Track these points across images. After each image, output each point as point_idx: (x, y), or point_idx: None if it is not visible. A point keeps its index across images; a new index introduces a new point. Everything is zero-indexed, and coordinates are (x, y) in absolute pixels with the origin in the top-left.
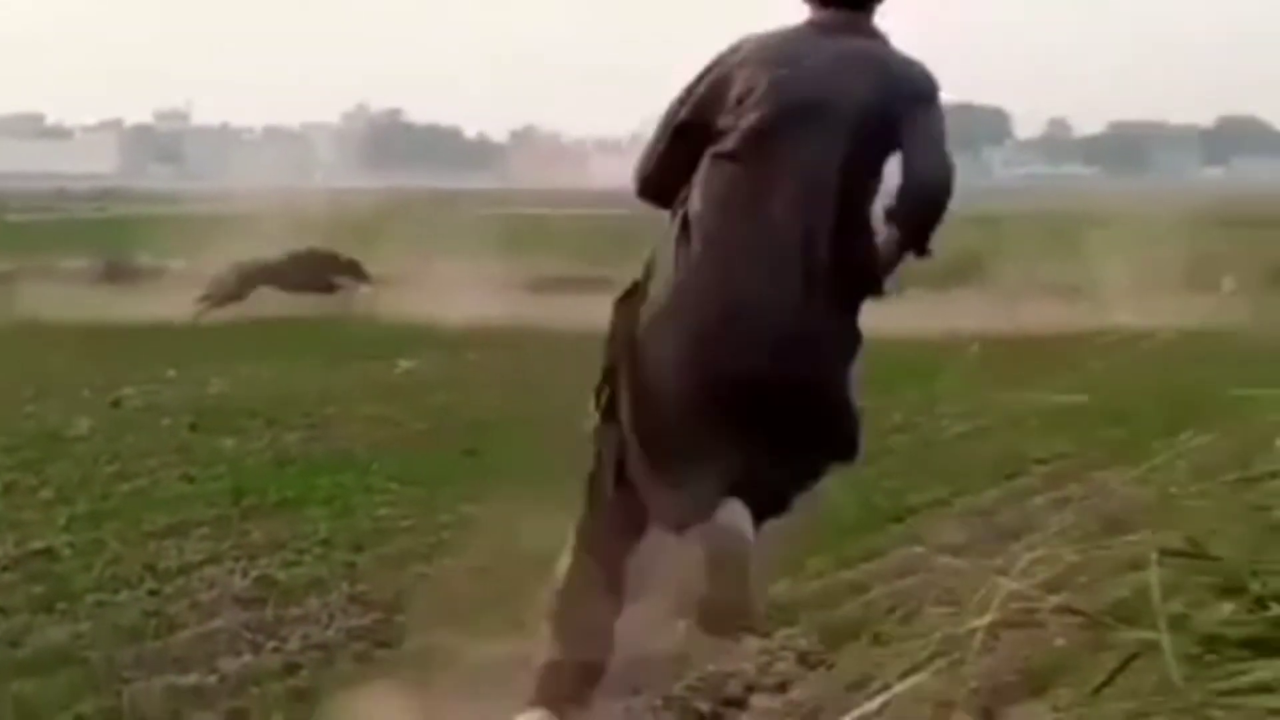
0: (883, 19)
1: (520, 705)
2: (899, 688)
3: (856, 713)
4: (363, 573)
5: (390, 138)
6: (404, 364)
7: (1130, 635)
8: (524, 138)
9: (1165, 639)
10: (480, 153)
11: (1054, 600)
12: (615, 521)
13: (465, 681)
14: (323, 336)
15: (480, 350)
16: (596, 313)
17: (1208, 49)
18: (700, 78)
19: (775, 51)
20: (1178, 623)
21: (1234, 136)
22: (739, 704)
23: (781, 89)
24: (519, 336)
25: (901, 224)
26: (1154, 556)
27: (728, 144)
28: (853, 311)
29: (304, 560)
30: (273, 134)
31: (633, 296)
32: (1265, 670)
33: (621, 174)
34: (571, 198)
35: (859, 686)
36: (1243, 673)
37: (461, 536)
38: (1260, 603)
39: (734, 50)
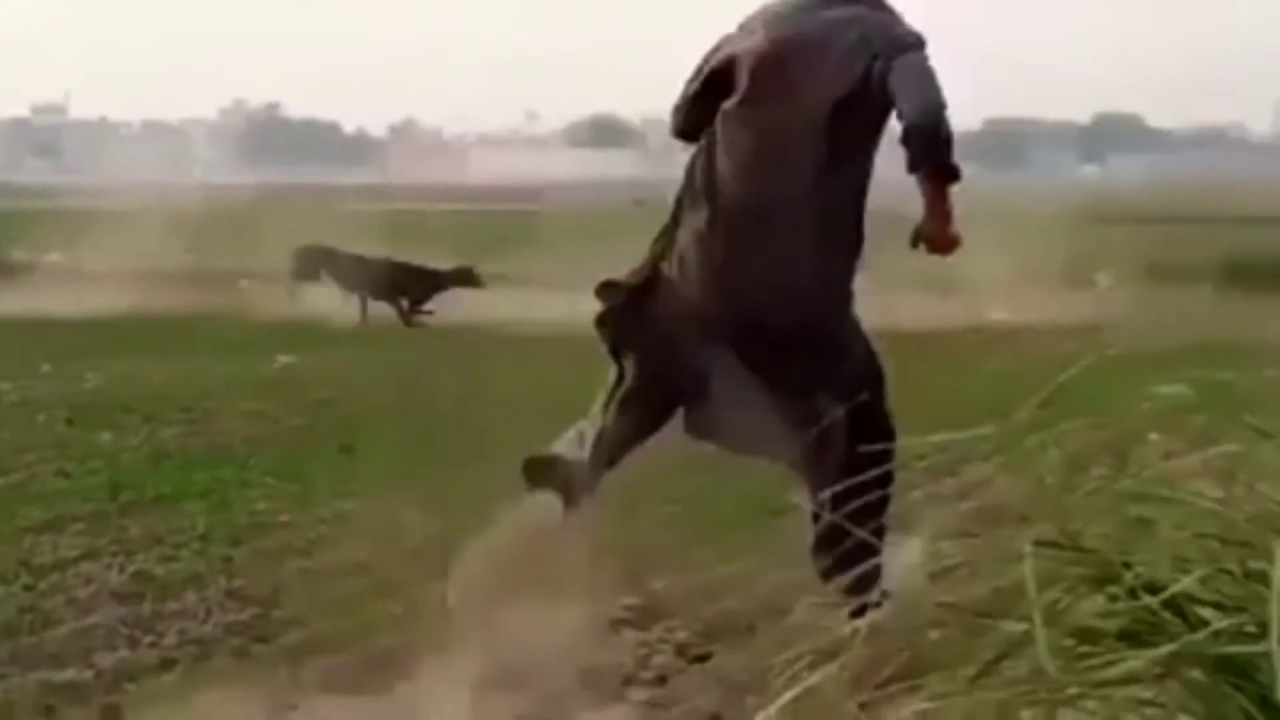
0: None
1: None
2: (778, 682)
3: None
4: (240, 568)
5: (268, 133)
6: (282, 359)
7: (1006, 627)
8: (403, 133)
9: (1039, 630)
10: (359, 148)
11: (932, 593)
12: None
13: (342, 676)
14: (200, 332)
15: (358, 346)
16: (473, 308)
17: (1085, 46)
18: (714, 50)
19: (777, 19)
20: (1052, 614)
21: (1110, 133)
22: (618, 697)
23: (781, 49)
24: (397, 332)
25: (915, 161)
26: (1028, 549)
27: (733, 102)
28: (850, 259)
29: (181, 555)
30: (151, 129)
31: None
32: (1135, 660)
33: (502, 169)
34: (451, 193)
35: (737, 679)
36: (1114, 663)
37: (338, 532)
38: (1133, 593)
39: (743, 26)
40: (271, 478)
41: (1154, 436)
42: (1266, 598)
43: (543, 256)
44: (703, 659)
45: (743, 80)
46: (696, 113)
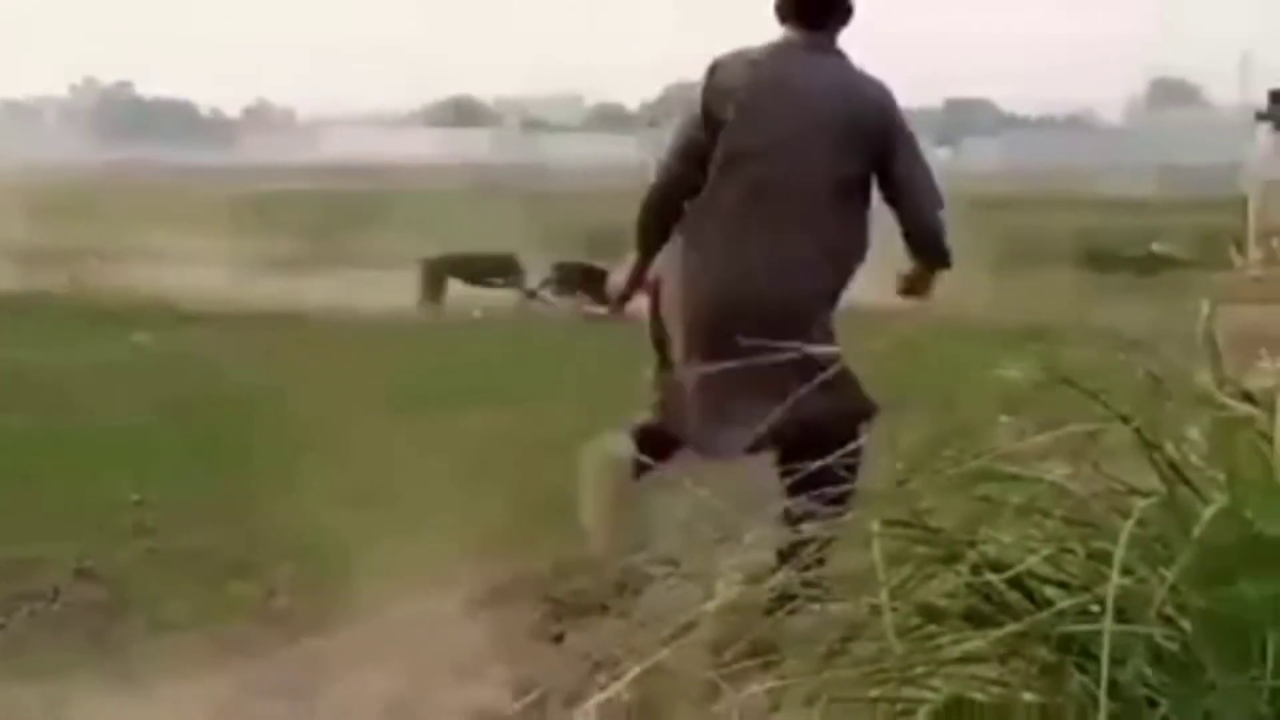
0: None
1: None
2: (630, 662)
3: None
4: (90, 549)
5: (121, 111)
6: (135, 338)
7: (855, 607)
8: (258, 113)
9: (886, 610)
10: (213, 127)
11: (782, 573)
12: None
13: (194, 658)
14: (51, 310)
15: (213, 325)
16: (327, 288)
17: (938, 31)
18: (692, 107)
19: (758, 69)
20: (900, 594)
21: (963, 118)
22: (473, 677)
23: (772, 103)
24: (252, 311)
25: (916, 254)
26: (876, 528)
27: (734, 149)
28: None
29: (32, 537)
30: (1, 107)
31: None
32: (978, 640)
33: (355, 150)
34: (306, 173)
35: (591, 661)
36: (958, 642)
37: (191, 512)
38: (978, 573)
39: (713, 73)
40: (123, 458)
41: (1004, 418)
42: (1110, 577)
43: (398, 237)
44: (559, 639)
45: (735, 138)
46: (681, 170)
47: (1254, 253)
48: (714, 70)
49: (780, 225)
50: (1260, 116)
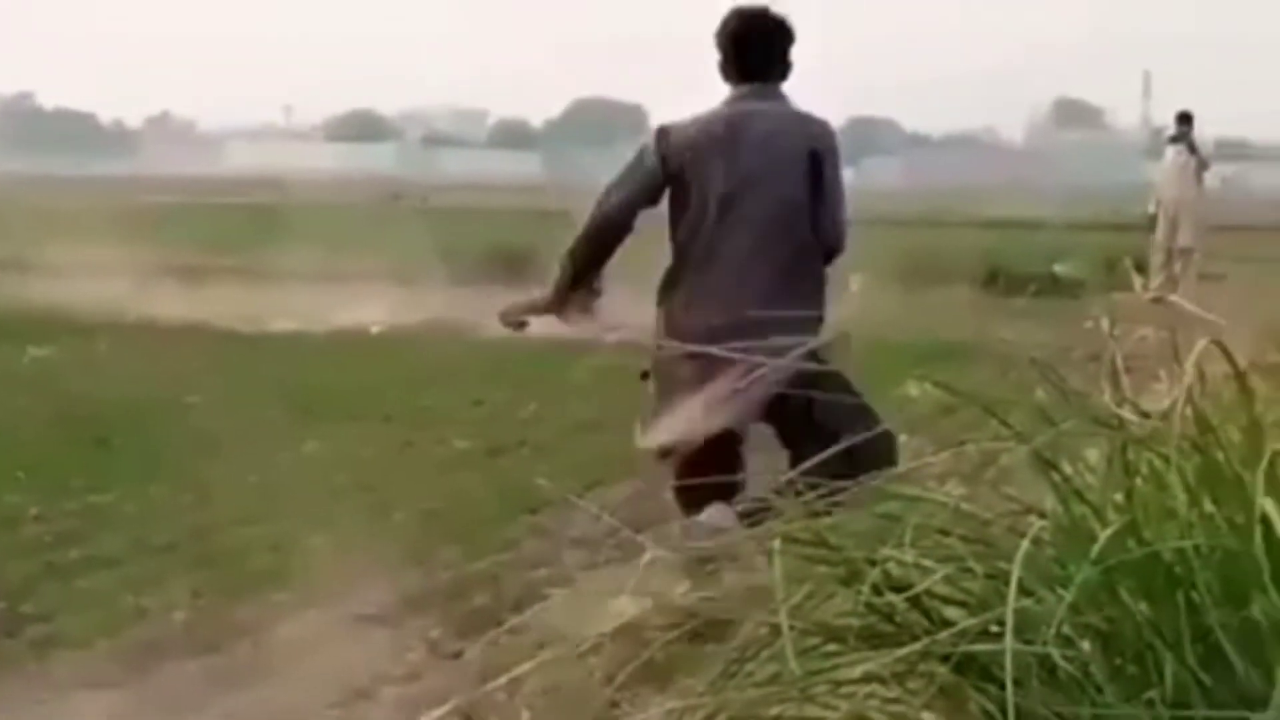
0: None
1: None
2: (527, 679)
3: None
4: None
5: (21, 122)
6: (33, 351)
7: (753, 626)
8: (160, 124)
9: (785, 629)
10: (115, 139)
11: (681, 590)
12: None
13: (92, 670)
14: None
15: (111, 339)
16: (230, 301)
17: (832, 50)
18: (654, 153)
19: (716, 115)
20: (800, 613)
21: (865, 136)
22: (368, 695)
23: (730, 138)
24: (151, 325)
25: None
26: (776, 546)
27: (700, 183)
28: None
29: None
30: None
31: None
32: (877, 660)
33: (257, 162)
34: (207, 186)
35: (490, 677)
36: (857, 662)
37: (89, 526)
38: (878, 592)
39: (665, 134)
40: (22, 471)
41: (904, 437)
42: (1008, 597)
43: (298, 250)
44: (456, 656)
45: (707, 171)
46: (621, 216)
47: (1157, 274)
48: (666, 132)
49: (765, 251)
50: (1173, 139)
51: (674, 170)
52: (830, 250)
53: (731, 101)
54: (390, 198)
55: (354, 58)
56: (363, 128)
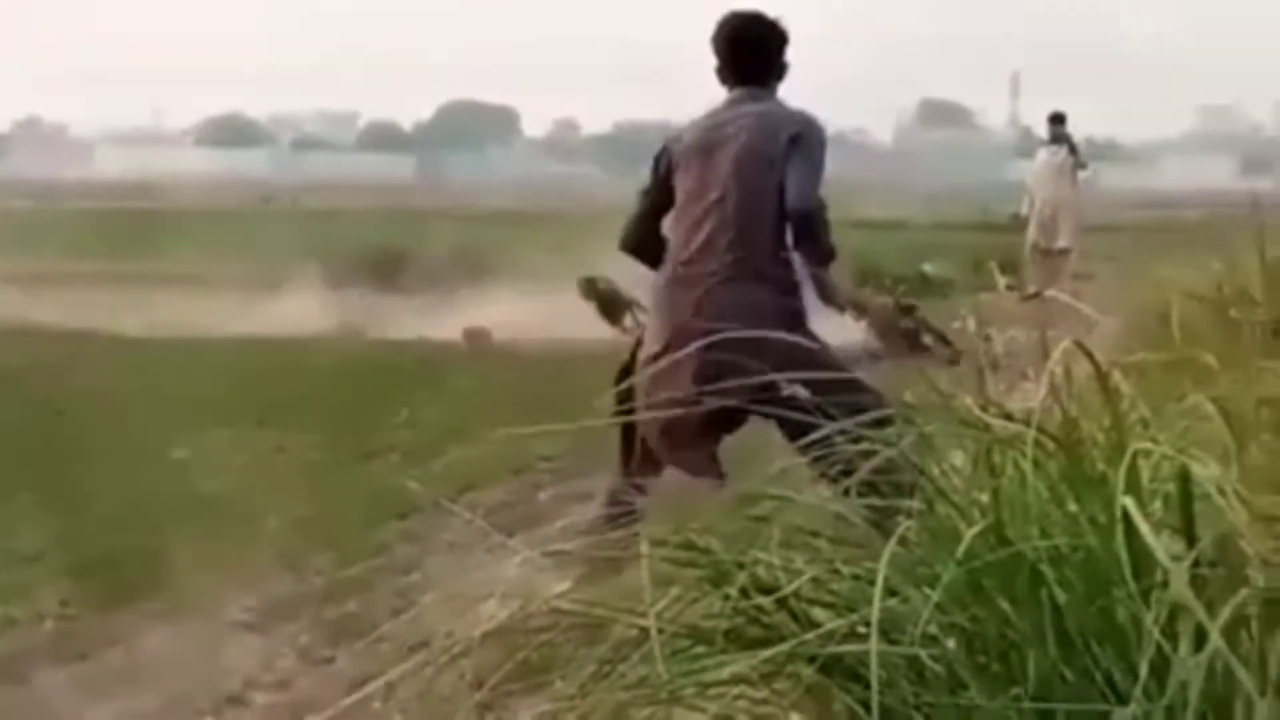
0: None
1: None
2: (400, 685)
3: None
4: None
5: None
6: None
7: (624, 628)
8: (29, 128)
9: (653, 631)
10: None
11: (554, 594)
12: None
13: None
14: None
15: None
16: (97, 307)
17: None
18: (657, 161)
19: (701, 129)
20: (669, 615)
21: None
22: (240, 701)
23: (709, 141)
24: (19, 330)
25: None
26: (645, 549)
27: (681, 193)
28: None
29: None
30: None
31: None
32: (745, 661)
33: (129, 167)
34: (78, 190)
35: (361, 684)
36: (725, 664)
37: None
38: (745, 594)
39: (676, 139)
40: None
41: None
42: (874, 597)
43: (170, 255)
44: (327, 662)
45: (685, 180)
46: (646, 226)
47: (1034, 274)
48: (675, 138)
49: (734, 251)
50: (1050, 140)
51: (664, 175)
52: (795, 229)
53: (725, 105)
54: (261, 201)
55: (225, 60)
56: (233, 131)
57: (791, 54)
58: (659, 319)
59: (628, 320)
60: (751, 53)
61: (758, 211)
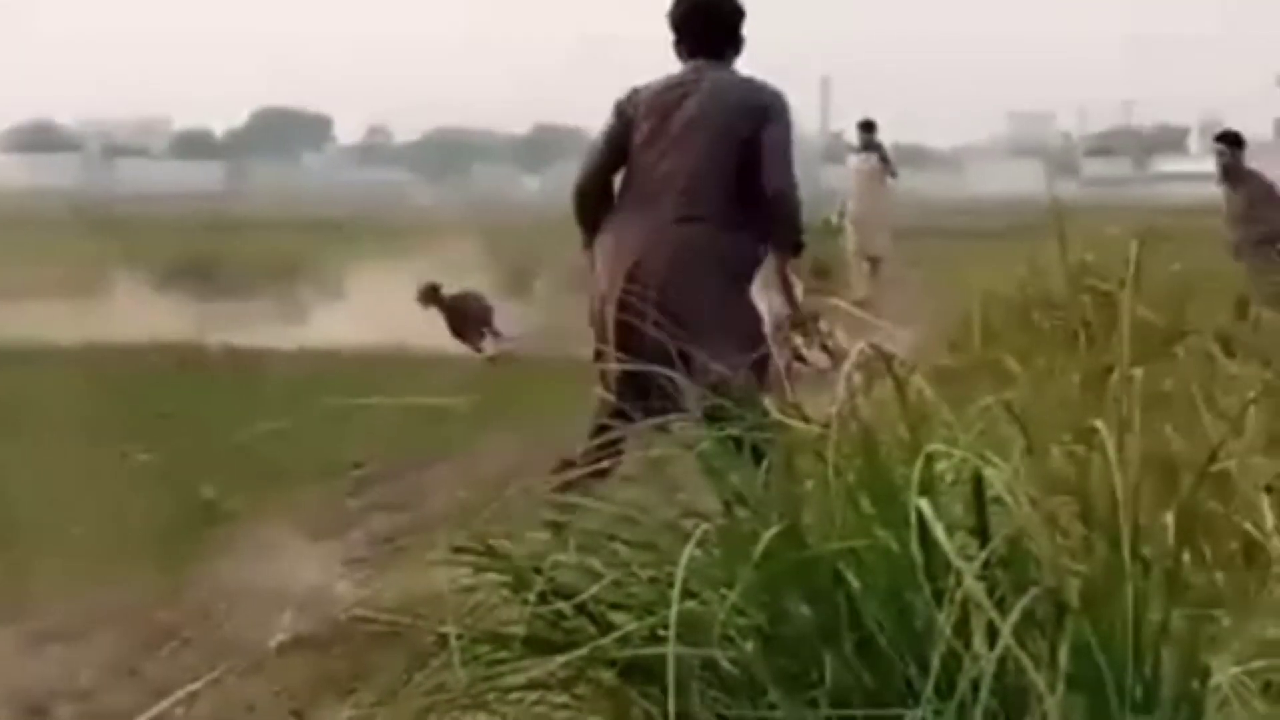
0: None
1: None
2: (205, 693)
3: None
4: None
5: None
6: None
7: (426, 634)
8: None
9: (452, 638)
10: None
11: (358, 599)
12: None
13: None
14: None
15: None
16: None
17: (530, 57)
18: (621, 111)
19: (663, 86)
20: (469, 621)
21: (550, 145)
22: (42, 712)
23: (670, 104)
24: None
25: (772, 228)
26: (445, 556)
27: (637, 142)
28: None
29: None
30: None
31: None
32: (541, 668)
33: None
34: None
35: (167, 693)
36: (523, 670)
37: None
38: (545, 599)
39: (630, 97)
40: None
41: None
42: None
43: None
44: (133, 672)
45: (640, 136)
46: (601, 170)
47: (860, 281)
48: (635, 90)
49: (679, 212)
50: (861, 148)
51: (621, 130)
52: (775, 209)
53: (687, 70)
54: (71, 209)
55: (33, 66)
56: (42, 138)
57: (610, 63)
58: (605, 261)
59: (485, 342)
60: (712, 25)
61: (714, 170)
